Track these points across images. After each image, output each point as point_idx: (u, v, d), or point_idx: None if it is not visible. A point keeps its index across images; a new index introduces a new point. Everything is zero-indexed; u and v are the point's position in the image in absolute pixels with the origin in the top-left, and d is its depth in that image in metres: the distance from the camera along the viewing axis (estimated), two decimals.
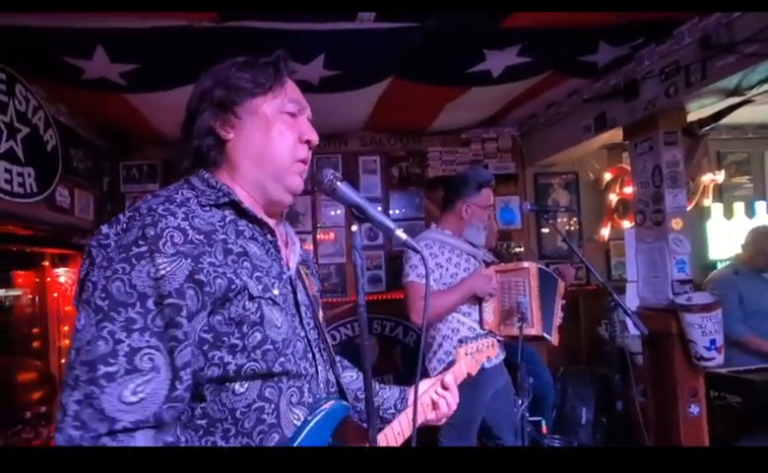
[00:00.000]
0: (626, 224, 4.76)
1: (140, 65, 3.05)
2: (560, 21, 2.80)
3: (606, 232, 5.20)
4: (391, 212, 4.98)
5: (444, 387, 1.48)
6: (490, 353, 1.78)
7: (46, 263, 4.04)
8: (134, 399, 0.89)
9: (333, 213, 4.93)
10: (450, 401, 1.47)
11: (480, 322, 2.86)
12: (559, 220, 5.26)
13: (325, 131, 4.69)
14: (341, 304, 4.60)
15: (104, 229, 0.98)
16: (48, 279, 4.04)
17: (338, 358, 1.49)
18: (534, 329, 2.74)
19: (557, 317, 2.92)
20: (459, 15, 2.68)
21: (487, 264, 2.99)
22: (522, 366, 2.50)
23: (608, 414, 4.42)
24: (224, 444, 1.01)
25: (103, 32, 2.65)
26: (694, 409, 3.37)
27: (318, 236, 4.89)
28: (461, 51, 3.17)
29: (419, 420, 1.36)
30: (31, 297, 4.08)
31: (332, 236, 4.92)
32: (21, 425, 3.64)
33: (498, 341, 2.90)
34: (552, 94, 4.15)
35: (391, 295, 4.68)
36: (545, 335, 2.81)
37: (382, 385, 1.50)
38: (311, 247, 4.83)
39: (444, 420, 1.49)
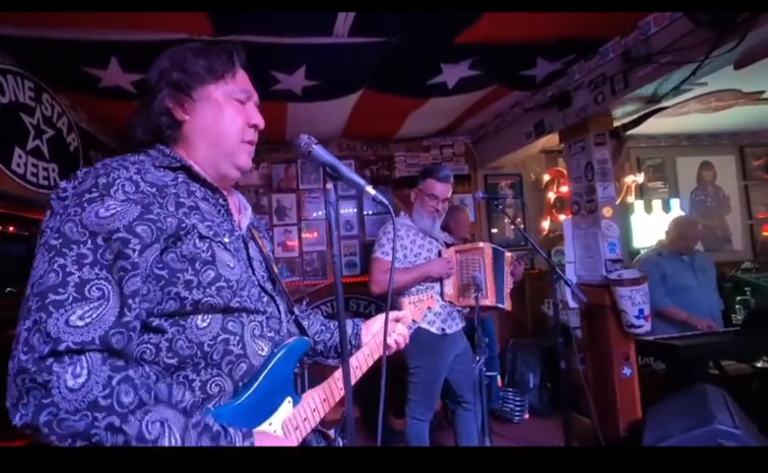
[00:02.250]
0: (563, 217, 4.83)
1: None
2: (504, 38, 2.82)
3: (546, 224, 5.28)
4: (364, 208, 5.04)
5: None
6: (431, 303, 1.73)
7: None
8: (80, 323, 0.80)
9: (315, 214, 4.93)
10: (400, 341, 1.49)
11: (442, 295, 2.83)
12: (506, 221, 5.29)
13: None
14: (321, 285, 4.64)
15: (63, 184, 0.93)
16: None
17: (301, 309, 1.45)
18: (488, 300, 2.72)
19: (508, 286, 2.90)
20: (419, 32, 2.69)
21: (448, 245, 2.97)
22: (478, 328, 2.49)
23: (551, 379, 4.47)
24: (195, 377, 0.95)
25: (117, 43, 2.60)
26: (627, 371, 3.38)
27: (303, 235, 4.87)
28: (421, 65, 3.16)
29: (375, 356, 1.39)
30: None
31: (315, 234, 4.91)
32: None
33: (459, 312, 2.91)
34: (498, 106, 4.17)
35: (365, 278, 4.62)
36: (499, 305, 2.79)
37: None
38: (296, 244, 4.85)
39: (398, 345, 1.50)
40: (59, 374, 0.76)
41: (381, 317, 1.50)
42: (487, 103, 4.06)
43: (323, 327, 1.47)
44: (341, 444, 1.25)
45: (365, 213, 5.01)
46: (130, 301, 0.86)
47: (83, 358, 0.79)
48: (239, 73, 1.14)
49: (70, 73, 2.95)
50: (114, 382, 0.80)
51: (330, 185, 1.06)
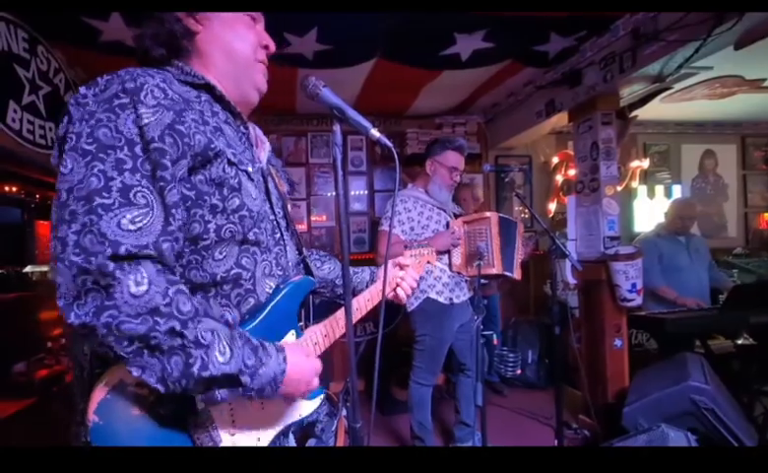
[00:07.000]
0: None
1: None
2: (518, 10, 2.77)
3: (552, 206, 5.30)
4: (374, 186, 5.04)
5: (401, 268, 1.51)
6: (431, 259, 1.72)
7: None
8: (132, 227, 0.79)
9: (325, 194, 4.90)
10: (407, 289, 1.50)
11: (450, 266, 2.86)
12: (516, 208, 5.30)
13: (321, 111, 4.67)
14: None
15: (83, 89, 0.87)
16: None
17: (322, 254, 1.49)
18: (494, 269, 2.74)
19: (519, 255, 2.90)
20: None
21: (457, 216, 2.98)
22: (478, 292, 2.51)
23: (549, 356, 4.57)
24: (204, 302, 0.95)
25: None
26: (618, 342, 3.47)
27: (312, 217, 4.85)
28: (436, 33, 3.10)
29: (375, 302, 1.39)
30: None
31: (324, 217, 4.89)
32: (43, 353, 3.52)
33: (466, 282, 2.94)
34: (511, 83, 4.15)
35: (374, 255, 4.60)
36: (507, 273, 2.80)
37: (356, 270, 1.51)
38: (304, 218, 4.85)
39: (403, 296, 1.50)
40: (121, 280, 0.76)
41: (394, 261, 1.53)
42: (501, 81, 4.04)
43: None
44: (344, 413, 1.27)
45: (375, 190, 4.99)
46: (173, 210, 0.86)
47: (141, 267, 0.78)
48: None
49: (67, 23, 2.73)
50: (171, 292, 0.80)
51: (336, 126, 1.06)
